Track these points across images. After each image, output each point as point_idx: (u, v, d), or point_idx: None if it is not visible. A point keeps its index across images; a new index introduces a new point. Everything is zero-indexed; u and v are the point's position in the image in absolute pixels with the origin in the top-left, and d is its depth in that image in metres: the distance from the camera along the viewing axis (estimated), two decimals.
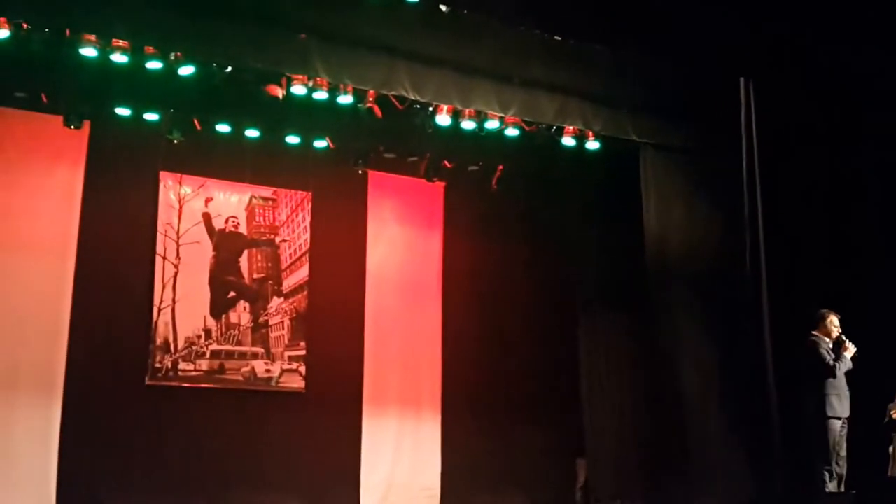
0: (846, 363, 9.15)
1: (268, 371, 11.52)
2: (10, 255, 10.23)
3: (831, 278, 10.55)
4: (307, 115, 10.74)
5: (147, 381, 10.79)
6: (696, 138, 11.18)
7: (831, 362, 9.11)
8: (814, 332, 9.32)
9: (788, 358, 9.82)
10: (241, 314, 11.48)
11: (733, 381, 10.83)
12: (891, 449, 9.86)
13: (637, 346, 12.16)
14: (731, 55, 10.60)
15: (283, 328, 11.72)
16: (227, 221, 11.50)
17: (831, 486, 8.94)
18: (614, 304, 12.51)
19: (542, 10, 9.68)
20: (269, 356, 11.56)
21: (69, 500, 10.03)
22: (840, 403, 9.11)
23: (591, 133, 11.09)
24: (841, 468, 9.10)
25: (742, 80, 10.69)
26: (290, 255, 11.83)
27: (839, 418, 9.10)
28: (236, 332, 11.42)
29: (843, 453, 9.11)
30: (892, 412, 9.74)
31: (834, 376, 9.08)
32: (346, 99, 10.24)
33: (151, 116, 10.70)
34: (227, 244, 11.48)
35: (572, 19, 9.86)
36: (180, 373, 11.00)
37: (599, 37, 10.22)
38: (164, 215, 11.10)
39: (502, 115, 10.46)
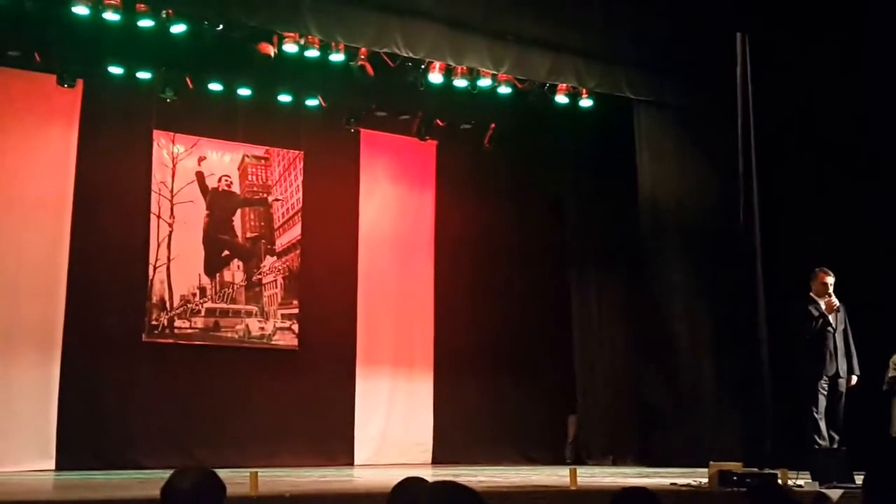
0: (839, 322, 9.13)
1: (261, 329, 11.56)
2: (5, 214, 10.17)
3: (825, 234, 10.44)
4: (299, 74, 10.72)
5: (144, 338, 10.82)
6: (690, 95, 11.14)
7: (815, 324, 9.08)
8: (810, 294, 9.27)
9: (781, 314, 9.77)
10: (234, 272, 11.50)
11: (726, 339, 10.89)
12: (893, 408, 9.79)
13: (629, 304, 12.22)
14: (728, 11, 10.56)
15: (277, 286, 11.74)
16: (219, 180, 11.48)
17: (822, 443, 8.92)
18: (607, 262, 12.58)
19: None
20: (263, 314, 11.59)
21: (69, 455, 10.04)
22: (831, 362, 9.10)
23: (584, 90, 11.06)
24: (834, 425, 9.09)
25: (738, 35, 10.68)
26: (283, 213, 11.83)
27: (829, 376, 9.11)
28: (230, 290, 11.45)
29: (838, 411, 9.12)
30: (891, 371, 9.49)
31: (816, 336, 9.08)
32: (337, 57, 10.19)
33: (144, 75, 10.65)
34: (220, 203, 11.46)
35: None
36: (176, 330, 11.04)
37: None
38: (158, 174, 11.06)
39: (495, 72, 10.41)
